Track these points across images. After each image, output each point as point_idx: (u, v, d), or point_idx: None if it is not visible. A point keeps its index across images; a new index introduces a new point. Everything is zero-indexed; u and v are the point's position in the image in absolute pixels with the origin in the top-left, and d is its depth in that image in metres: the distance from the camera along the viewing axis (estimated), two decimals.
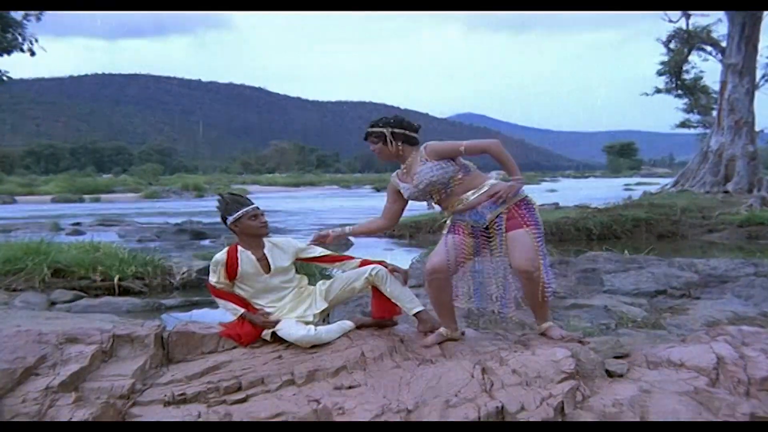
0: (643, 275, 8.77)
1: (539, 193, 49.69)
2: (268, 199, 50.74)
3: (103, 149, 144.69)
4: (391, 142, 5.41)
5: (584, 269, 9.09)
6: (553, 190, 58.57)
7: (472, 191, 5.30)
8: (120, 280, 11.80)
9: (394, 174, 5.62)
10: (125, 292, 11.71)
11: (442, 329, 5.34)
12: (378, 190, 71.23)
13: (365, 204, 42.25)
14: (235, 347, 4.88)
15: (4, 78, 15.73)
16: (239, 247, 5.49)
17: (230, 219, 5.50)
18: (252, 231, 5.44)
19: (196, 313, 10.80)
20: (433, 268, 5.28)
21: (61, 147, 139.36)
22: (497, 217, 5.25)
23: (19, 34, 14.93)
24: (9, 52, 15.00)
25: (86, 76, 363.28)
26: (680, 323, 7.54)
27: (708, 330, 4.97)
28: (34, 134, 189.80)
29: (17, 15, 15.23)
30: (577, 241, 19.15)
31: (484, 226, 5.28)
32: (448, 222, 5.50)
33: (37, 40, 15.14)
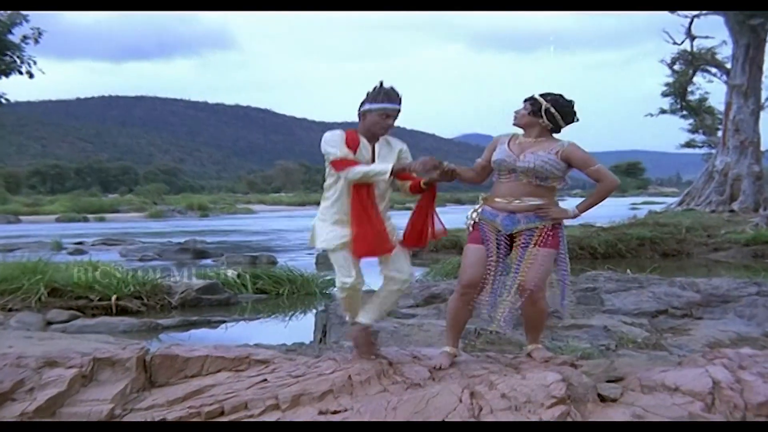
0: (644, 295, 8.65)
1: None
2: (272, 219, 50.72)
3: (108, 169, 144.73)
4: (542, 116, 5.26)
5: (584, 288, 8.97)
6: None
7: (531, 198, 5.18)
8: (117, 299, 11.72)
9: (504, 135, 5.45)
10: (123, 311, 11.62)
11: (449, 348, 5.22)
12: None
13: None
14: (219, 370, 4.75)
15: (3, 100, 15.67)
16: (358, 133, 5.33)
17: (365, 106, 5.31)
18: (374, 128, 5.26)
19: (194, 334, 10.73)
20: (470, 282, 5.14)
21: (67, 167, 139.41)
22: (528, 230, 5.15)
23: (18, 57, 14.87)
24: (7, 75, 14.93)
25: (92, 98, 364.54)
26: (681, 344, 7.41)
27: (705, 353, 4.84)
28: (40, 155, 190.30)
29: (15, 38, 15.22)
30: (581, 260, 19.01)
31: (509, 234, 5.17)
32: (474, 217, 5.33)
33: (35, 62, 15.09)
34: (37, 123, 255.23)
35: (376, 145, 5.34)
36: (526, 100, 5.32)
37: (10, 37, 15.18)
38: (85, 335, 9.52)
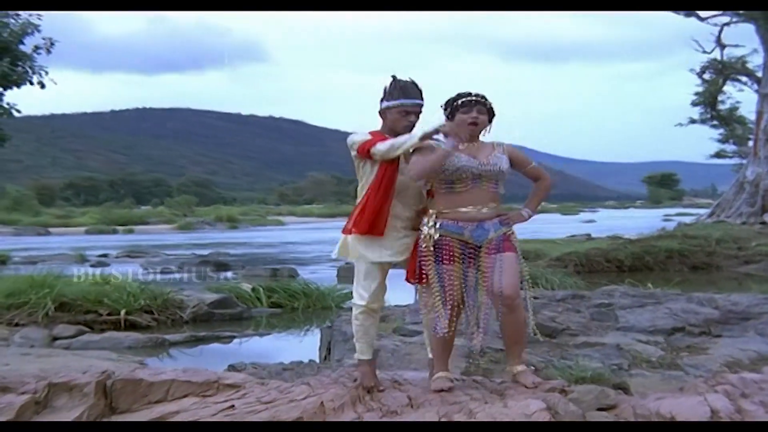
0: (660, 311, 8.30)
1: (575, 223, 49.08)
2: (301, 231, 50.60)
3: (141, 181, 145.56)
4: (491, 121, 5.02)
5: (598, 304, 8.64)
6: (590, 221, 57.71)
7: (492, 203, 4.92)
8: (127, 314, 11.50)
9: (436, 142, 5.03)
10: (132, 326, 11.41)
11: (443, 373, 4.93)
12: None
13: None
14: (185, 395, 4.48)
15: (13, 112, 15.58)
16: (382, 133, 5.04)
17: (382, 104, 5.04)
18: (396, 126, 4.97)
19: (205, 349, 10.51)
20: (455, 305, 4.85)
21: (100, 179, 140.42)
22: (497, 237, 4.88)
23: (29, 68, 14.78)
24: (19, 86, 14.84)
25: (126, 110, 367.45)
26: (698, 363, 7.07)
27: (707, 378, 4.53)
28: (74, 167, 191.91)
29: (26, 48, 15.16)
30: (607, 273, 18.66)
31: (478, 245, 4.90)
32: (433, 234, 5.00)
33: (47, 73, 14.99)
34: (72, 135, 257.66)
35: None
36: (475, 103, 4.95)
37: (22, 47, 15.10)
38: (87, 352, 9.35)
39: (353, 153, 5.02)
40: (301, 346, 10.53)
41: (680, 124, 38.25)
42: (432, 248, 4.89)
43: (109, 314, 11.47)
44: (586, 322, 8.06)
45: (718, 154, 40.45)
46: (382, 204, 4.91)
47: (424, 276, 4.92)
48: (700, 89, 36.46)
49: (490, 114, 5.03)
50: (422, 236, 4.92)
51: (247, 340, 11.04)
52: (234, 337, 11.07)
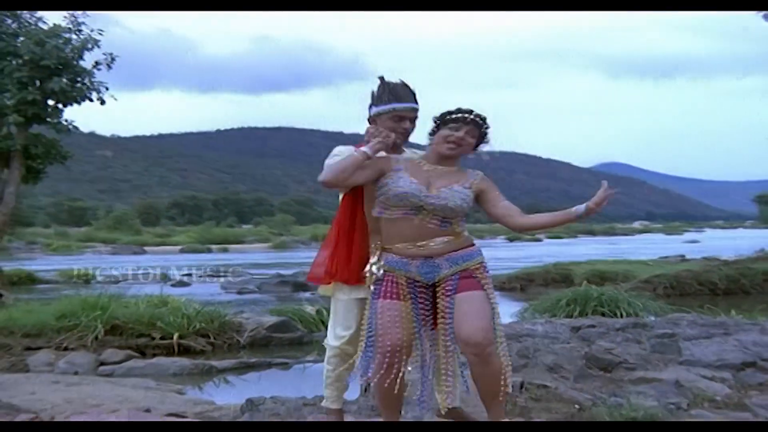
0: (729, 343, 7.50)
1: (677, 244, 47.60)
2: None
3: (244, 200, 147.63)
4: (479, 143, 4.41)
5: (661, 334, 7.89)
6: (694, 241, 55.95)
7: (443, 238, 4.30)
8: (180, 337, 11.13)
9: (386, 157, 4.41)
10: (186, 351, 11.04)
11: None
12: (511, 240, 69.88)
13: (495, 254, 40.87)
14: None
15: (71, 128, 15.56)
16: None
17: (372, 111, 4.50)
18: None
19: (251, 377, 10.07)
20: (395, 347, 4.21)
21: (204, 198, 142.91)
22: (453, 275, 4.25)
23: (90, 83, 14.75)
24: (79, 102, 14.82)
25: (231, 129, 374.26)
26: None
27: None
28: (180, 186, 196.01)
29: (86, 64, 15.17)
30: (699, 296, 17.67)
31: (431, 283, 4.29)
32: (375, 271, 4.42)
33: (107, 89, 14.94)
34: (179, 155, 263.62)
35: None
36: (469, 122, 4.31)
37: (82, 63, 15.09)
38: (124, 380, 8.96)
39: None
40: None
41: None
42: (371, 287, 4.31)
43: (162, 338, 11.11)
44: (646, 354, 7.32)
45: None
46: (348, 250, 4.43)
47: None
48: None
49: (481, 138, 4.40)
50: (367, 272, 4.35)
51: (303, 367, 10.56)
52: (286, 363, 10.61)
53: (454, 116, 4.30)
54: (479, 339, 4.07)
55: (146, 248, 50.77)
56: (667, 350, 7.40)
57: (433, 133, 4.37)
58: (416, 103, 4.50)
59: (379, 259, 4.29)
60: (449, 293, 4.18)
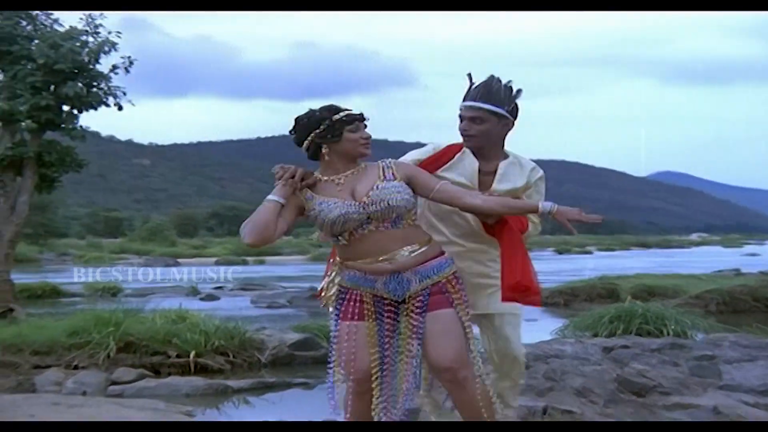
0: None
1: (735, 257, 46.85)
2: None
3: None
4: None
5: (700, 356, 7.60)
6: (753, 254, 55.05)
7: (410, 246, 4.08)
8: (197, 355, 10.97)
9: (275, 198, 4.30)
10: (203, 370, 10.87)
11: None
12: (560, 253, 69.34)
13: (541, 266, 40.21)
14: None
15: (85, 134, 15.47)
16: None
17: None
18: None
19: (271, 397, 9.89)
20: (363, 372, 4.09)
21: (244, 208, 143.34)
22: (423, 289, 4.04)
23: (107, 88, 14.62)
24: (95, 108, 14.73)
25: (272, 137, 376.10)
26: None
27: None
28: (218, 196, 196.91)
29: (104, 68, 15.05)
30: (754, 313, 17.20)
31: (400, 300, 4.08)
32: (332, 289, 4.23)
33: (125, 93, 14.80)
34: (217, 163, 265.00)
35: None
36: (361, 118, 4.26)
37: (98, 66, 14.99)
38: (132, 401, 8.81)
39: None
40: None
41: None
42: (334, 303, 4.13)
43: (177, 356, 10.97)
44: (683, 378, 7.04)
45: None
46: None
47: None
48: None
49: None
50: (324, 290, 4.17)
51: (323, 388, 10.34)
52: (309, 383, 10.42)
53: (345, 118, 4.18)
54: (448, 363, 3.94)
55: (180, 260, 50.87)
56: (707, 374, 7.12)
57: (316, 146, 4.24)
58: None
59: (334, 277, 4.13)
60: (419, 311, 3.98)
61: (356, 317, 4.14)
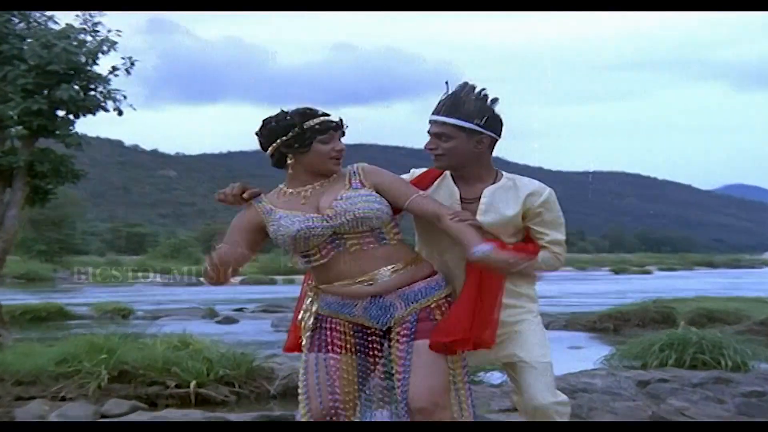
0: None
1: None
2: None
3: None
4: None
5: (748, 392, 7.29)
6: None
7: (392, 265, 3.82)
8: (199, 386, 10.77)
9: (262, 197, 4.10)
10: (205, 402, 10.67)
11: None
12: (616, 273, 68.78)
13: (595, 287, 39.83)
14: None
15: (82, 142, 15.17)
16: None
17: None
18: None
19: None
20: (328, 412, 3.82)
21: None
22: (410, 315, 3.77)
23: (108, 92, 14.33)
24: (93, 112, 14.44)
25: None
26: None
27: None
28: None
29: (103, 70, 14.80)
30: None
31: (384, 329, 3.82)
32: (308, 319, 3.97)
33: (125, 97, 14.51)
34: (249, 175, 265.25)
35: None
36: (337, 127, 3.98)
37: (96, 68, 14.74)
38: None
39: None
40: None
41: None
42: (307, 333, 3.86)
43: (177, 386, 10.76)
44: (730, 416, 6.74)
45: None
46: None
47: None
48: None
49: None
50: (301, 321, 3.90)
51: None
52: None
53: (317, 126, 3.91)
54: (422, 403, 3.65)
55: (202, 279, 50.97)
56: (756, 412, 6.82)
57: (281, 154, 3.99)
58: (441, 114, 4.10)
59: (312, 303, 3.88)
60: (406, 339, 3.71)
61: (328, 349, 3.86)
